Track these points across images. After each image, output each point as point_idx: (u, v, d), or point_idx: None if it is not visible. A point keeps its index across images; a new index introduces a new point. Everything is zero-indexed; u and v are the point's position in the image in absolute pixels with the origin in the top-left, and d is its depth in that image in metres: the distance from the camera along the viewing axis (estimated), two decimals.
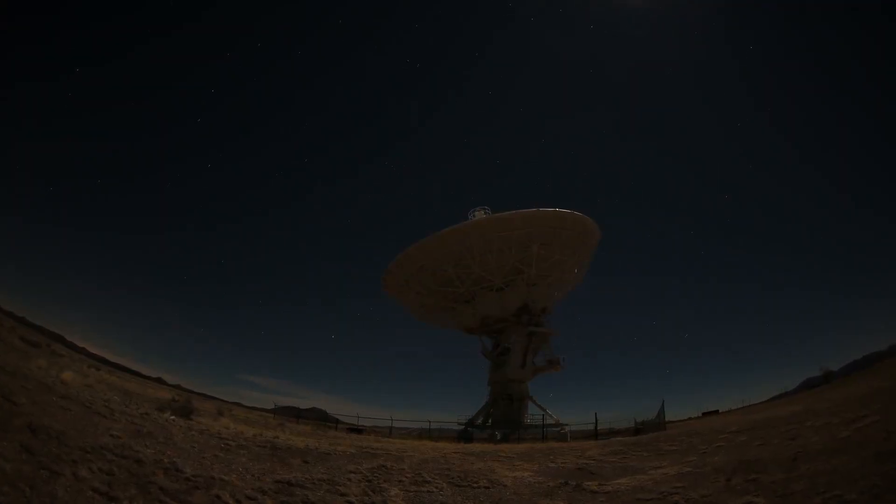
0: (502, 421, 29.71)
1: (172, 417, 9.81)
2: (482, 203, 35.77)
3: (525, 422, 30.38)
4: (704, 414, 31.71)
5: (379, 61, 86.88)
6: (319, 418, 35.38)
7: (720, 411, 31.79)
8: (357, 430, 29.01)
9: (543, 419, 29.89)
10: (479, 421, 31.80)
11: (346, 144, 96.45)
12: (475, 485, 7.26)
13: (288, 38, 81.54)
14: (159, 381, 43.87)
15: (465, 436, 28.08)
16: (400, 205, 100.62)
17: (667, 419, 24.19)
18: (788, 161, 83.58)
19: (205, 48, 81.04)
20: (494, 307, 32.70)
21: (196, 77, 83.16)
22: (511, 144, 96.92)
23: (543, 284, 33.17)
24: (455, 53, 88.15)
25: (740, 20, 70.34)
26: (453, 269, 31.51)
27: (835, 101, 77.18)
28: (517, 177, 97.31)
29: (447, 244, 30.87)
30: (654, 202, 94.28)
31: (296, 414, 33.67)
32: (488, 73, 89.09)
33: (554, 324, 34.29)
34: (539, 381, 33.28)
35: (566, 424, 29.29)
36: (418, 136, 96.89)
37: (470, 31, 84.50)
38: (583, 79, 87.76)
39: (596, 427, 26.44)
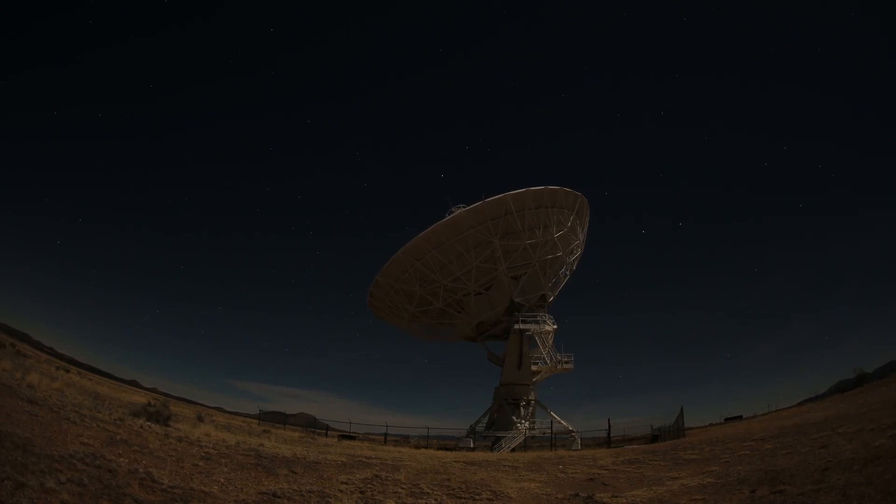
0: (500, 428, 29.95)
1: (148, 424, 9.86)
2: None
3: (522, 426, 30.55)
4: (727, 420, 31.97)
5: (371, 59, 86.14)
6: (308, 424, 35.68)
7: (744, 417, 32.03)
8: (349, 437, 29.28)
9: (552, 425, 30.12)
10: (480, 427, 32.05)
11: (337, 147, 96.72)
12: (477, 497, 7.31)
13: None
14: (134, 384, 44.28)
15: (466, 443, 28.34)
16: (394, 203, 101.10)
17: (686, 426, 24.36)
18: (823, 160, 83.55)
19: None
20: (485, 310, 32.39)
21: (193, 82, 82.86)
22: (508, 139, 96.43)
23: (531, 272, 32.25)
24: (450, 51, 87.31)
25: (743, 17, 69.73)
26: (420, 289, 31.48)
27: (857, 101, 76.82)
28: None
29: (402, 265, 30.91)
30: (679, 202, 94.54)
31: (282, 420, 33.93)
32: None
33: (567, 325, 33.80)
34: (549, 383, 33.36)
35: (574, 431, 29.48)
36: (414, 138, 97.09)
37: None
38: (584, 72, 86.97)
39: (609, 434, 26.64)
